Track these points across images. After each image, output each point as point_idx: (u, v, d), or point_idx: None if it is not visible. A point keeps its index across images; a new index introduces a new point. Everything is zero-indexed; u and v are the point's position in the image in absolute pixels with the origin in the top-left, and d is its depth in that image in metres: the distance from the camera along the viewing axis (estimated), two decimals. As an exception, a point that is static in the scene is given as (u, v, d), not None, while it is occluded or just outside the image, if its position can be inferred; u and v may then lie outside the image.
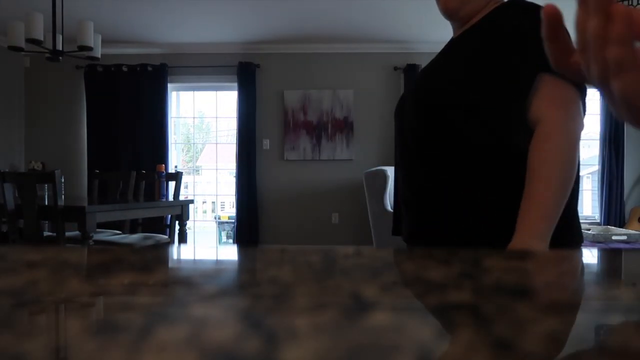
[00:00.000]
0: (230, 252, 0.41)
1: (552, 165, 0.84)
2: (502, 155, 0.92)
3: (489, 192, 0.91)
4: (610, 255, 0.37)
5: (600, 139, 5.26)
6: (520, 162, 0.88)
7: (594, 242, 3.91)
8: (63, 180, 3.02)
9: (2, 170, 3.01)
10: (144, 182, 4.12)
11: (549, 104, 0.87)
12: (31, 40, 3.21)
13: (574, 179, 0.85)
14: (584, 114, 0.91)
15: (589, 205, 5.78)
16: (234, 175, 5.39)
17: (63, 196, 2.94)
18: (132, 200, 3.76)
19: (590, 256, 0.37)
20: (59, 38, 3.47)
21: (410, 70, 5.09)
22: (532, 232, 0.82)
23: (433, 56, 1.11)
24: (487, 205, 0.91)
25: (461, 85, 0.95)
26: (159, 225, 4.31)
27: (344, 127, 5.22)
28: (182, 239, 3.87)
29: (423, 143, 0.99)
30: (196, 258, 0.37)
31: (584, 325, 0.19)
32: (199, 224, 6.16)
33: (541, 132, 0.86)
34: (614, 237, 4.00)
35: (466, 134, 0.94)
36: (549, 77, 0.87)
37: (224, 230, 6.04)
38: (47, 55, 3.44)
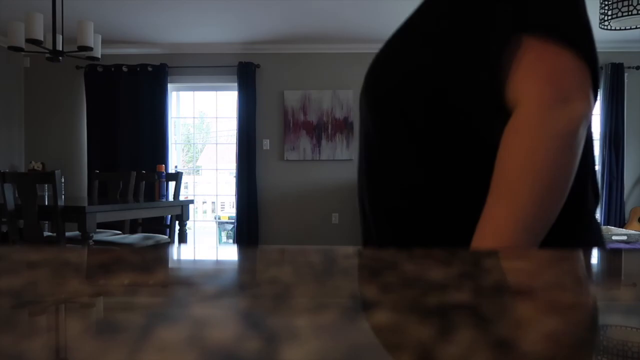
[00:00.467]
0: (230, 252, 0.41)
1: (519, 175, 0.59)
2: (481, 156, 0.66)
3: (469, 204, 0.66)
4: (611, 256, 0.37)
5: (600, 139, 5.26)
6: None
7: (594, 242, 3.91)
8: (63, 180, 3.02)
9: (2, 171, 3.01)
10: (144, 182, 4.12)
11: (532, 79, 0.61)
12: (31, 41, 3.21)
13: (560, 190, 0.60)
14: (594, 93, 0.63)
15: (589, 206, 5.76)
16: (234, 175, 5.39)
17: (63, 196, 2.94)
18: (132, 200, 3.76)
19: (590, 256, 0.37)
20: (59, 38, 3.47)
21: (410, 70, 5.09)
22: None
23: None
24: (470, 219, 0.64)
25: (422, 71, 0.70)
26: (159, 225, 4.31)
27: (344, 127, 5.22)
28: (182, 239, 3.87)
29: (384, 151, 0.74)
30: (196, 258, 0.37)
31: (583, 325, 0.19)
32: (199, 224, 6.16)
33: (512, 123, 0.61)
34: (614, 238, 3.99)
35: (432, 134, 0.69)
36: (533, 40, 0.62)
37: (224, 230, 6.04)
38: (47, 55, 3.44)
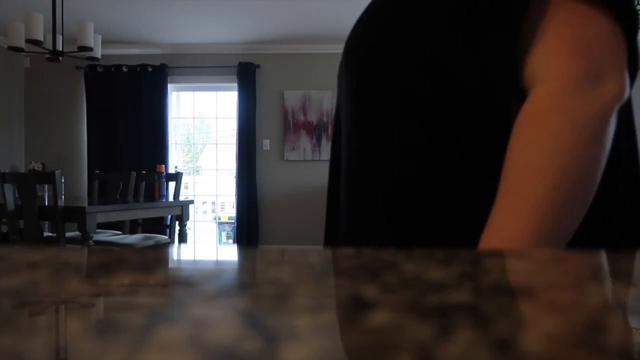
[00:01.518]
0: (230, 253, 0.41)
1: (534, 175, 0.48)
2: (488, 139, 0.55)
3: (473, 196, 0.55)
4: (611, 256, 0.37)
5: (600, 139, 5.24)
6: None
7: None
8: (63, 180, 3.02)
9: (2, 171, 3.01)
10: (144, 182, 4.12)
11: (556, 50, 0.49)
12: (31, 41, 3.21)
13: (586, 194, 0.48)
14: (635, 68, 0.53)
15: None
16: (234, 175, 5.39)
17: (63, 197, 2.94)
18: (132, 200, 3.76)
19: (590, 256, 0.37)
20: (59, 38, 3.47)
21: (410, 70, 5.09)
22: None
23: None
24: (476, 216, 0.53)
25: (419, 32, 0.58)
26: (159, 225, 4.31)
27: (344, 127, 5.22)
28: (182, 239, 3.87)
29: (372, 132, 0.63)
30: (196, 258, 0.37)
31: (583, 326, 0.19)
32: (199, 224, 6.16)
33: (528, 106, 0.50)
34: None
35: (427, 108, 0.57)
36: (566, 1, 0.50)
37: (224, 230, 6.04)
38: (47, 55, 3.45)
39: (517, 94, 0.52)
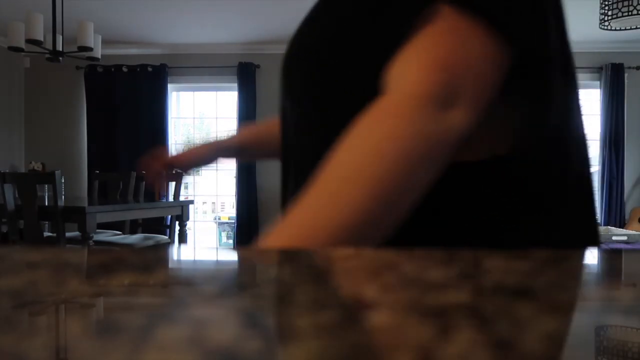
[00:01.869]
0: (230, 253, 0.41)
1: (341, 172, 0.44)
2: None
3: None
4: (611, 256, 0.37)
5: (600, 140, 5.26)
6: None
7: (594, 242, 3.90)
8: (63, 180, 3.02)
9: (2, 171, 3.01)
10: (144, 182, 4.12)
11: (417, 65, 0.46)
12: (31, 41, 3.22)
13: (393, 205, 0.43)
14: (533, 86, 0.49)
15: (589, 206, 5.75)
16: (234, 175, 5.39)
17: (63, 197, 2.94)
18: (132, 200, 3.76)
19: (590, 256, 0.37)
20: (59, 39, 3.48)
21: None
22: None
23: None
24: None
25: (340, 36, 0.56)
26: (159, 225, 4.31)
27: (344, 127, 5.22)
28: (182, 239, 3.87)
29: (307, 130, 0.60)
30: (196, 259, 0.37)
31: (584, 326, 0.19)
32: (199, 224, 6.15)
33: (371, 108, 0.45)
34: (614, 238, 4.00)
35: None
36: (450, 14, 0.46)
37: (224, 230, 6.04)
38: (47, 55, 3.45)
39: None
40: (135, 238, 3.49)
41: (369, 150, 0.43)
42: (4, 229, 3.10)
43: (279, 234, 0.47)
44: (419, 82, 0.45)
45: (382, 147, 0.43)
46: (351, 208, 0.42)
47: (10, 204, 2.91)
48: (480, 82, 0.46)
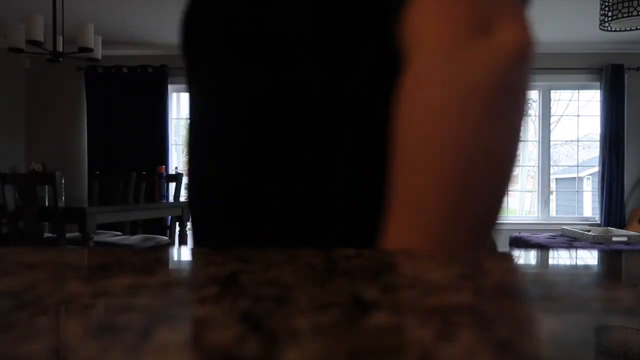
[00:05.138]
0: (230, 253, 0.41)
1: (418, 166, 0.37)
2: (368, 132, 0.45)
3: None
4: (611, 257, 0.37)
5: (600, 140, 5.25)
6: None
7: (594, 243, 3.91)
8: (63, 181, 3.02)
9: (2, 172, 3.01)
10: (144, 183, 4.12)
11: (433, 5, 0.38)
12: (32, 42, 3.22)
13: (491, 180, 0.38)
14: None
15: (589, 207, 5.77)
16: (234, 176, 5.37)
17: (63, 197, 2.94)
18: (133, 201, 3.76)
19: (590, 257, 0.37)
20: (60, 39, 3.48)
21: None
22: (402, 223, 0.38)
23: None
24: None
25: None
26: (159, 226, 4.31)
27: (344, 128, 5.21)
28: (183, 240, 3.87)
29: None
30: (196, 259, 0.37)
31: (584, 326, 0.19)
32: (199, 225, 6.14)
33: (404, 80, 0.38)
34: (614, 239, 3.99)
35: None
36: None
37: (224, 231, 6.02)
38: (48, 56, 3.45)
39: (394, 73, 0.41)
40: (135, 239, 3.49)
41: (432, 130, 0.36)
42: (5, 229, 3.10)
43: (407, 214, 0.39)
44: (440, 27, 0.38)
45: (440, 120, 0.36)
46: (446, 206, 0.37)
47: (11, 204, 2.91)
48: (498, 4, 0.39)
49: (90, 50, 3.41)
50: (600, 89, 5.20)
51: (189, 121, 0.61)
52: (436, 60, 0.37)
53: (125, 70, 5.28)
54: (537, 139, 5.33)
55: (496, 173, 0.38)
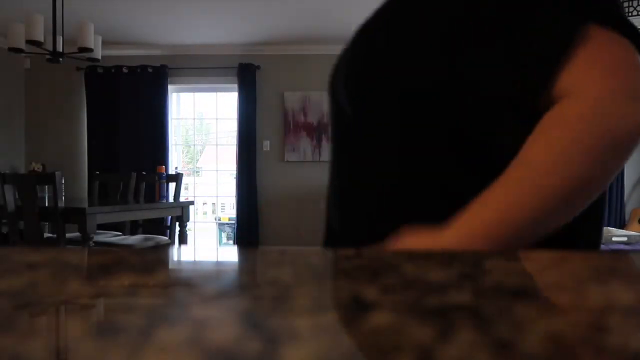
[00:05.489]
0: (230, 254, 0.41)
1: (546, 167, 0.49)
2: (466, 181, 0.56)
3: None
4: (611, 257, 0.37)
5: (600, 140, 5.23)
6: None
7: (595, 243, 3.90)
8: (63, 181, 3.02)
9: (2, 172, 3.01)
10: (144, 183, 4.12)
11: (592, 69, 0.49)
12: (31, 42, 3.22)
13: (587, 199, 0.50)
14: None
15: (589, 207, 5.75)
16: (234, 176, 5.39)
17: (63, 197, 2.94)
18: (133, 201, 3.76)
19: (590, 257, 0.37)
20: (59, 39, 3.48)
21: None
22: (470, 228, 0.50)
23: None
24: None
25: (426, 61, 0.57)
26: (159, 226, 4.31)
27: (344, 128, 5.21)
28: (183, 240, 3.87)
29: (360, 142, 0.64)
30: (196, 259, 0.37)
31: (584, 326, 0.19)
32: (199, 225, 6.15)
33: (555, 113, 0.49)
34: (614, 239, 3.99)
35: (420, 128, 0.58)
36: (597, 29, 0.50)
37: (224, 231, 6.04)
38: (48, 56, 3.45)
39: (507, 126, 0.54)
40: (135, 239, 3.49)
41: (571, 148, 0.48)
42: (4, 229, 3.10)
43: (477, 227, 0.50)
44: (600, 86, 0.48)
45: (582, 144, 0.47)
46: (539, 205, 0.48)
47: (11, 204, 2.91)
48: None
49: (90, 50, 3.41)
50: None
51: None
52: (593, 107, 0.48)
53: (125, 70, 5.27)
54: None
55: (585, 202, 0.50)
